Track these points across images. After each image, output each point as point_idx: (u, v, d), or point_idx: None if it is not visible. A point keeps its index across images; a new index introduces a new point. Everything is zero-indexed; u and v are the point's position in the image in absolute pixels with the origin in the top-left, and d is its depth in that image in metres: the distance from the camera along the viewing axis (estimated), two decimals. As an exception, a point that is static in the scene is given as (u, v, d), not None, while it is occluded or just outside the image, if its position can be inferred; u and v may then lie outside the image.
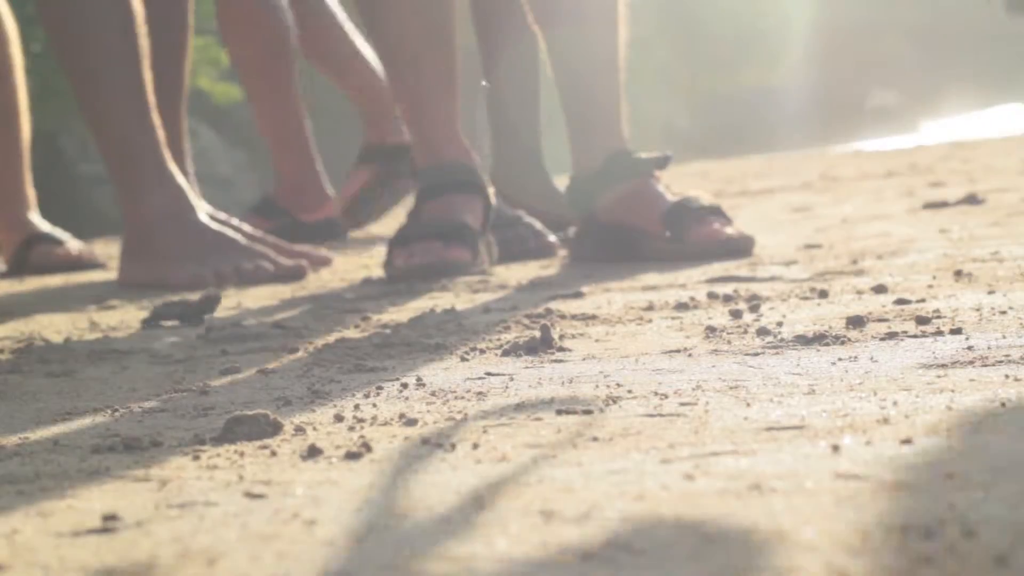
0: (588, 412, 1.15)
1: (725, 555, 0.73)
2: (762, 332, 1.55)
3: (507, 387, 1.31)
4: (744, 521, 0.78)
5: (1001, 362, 1.28)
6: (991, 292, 1.76)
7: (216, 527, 0.84)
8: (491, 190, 2.65)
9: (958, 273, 1.95)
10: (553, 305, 1.93)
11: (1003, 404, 1.08)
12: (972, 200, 3.24)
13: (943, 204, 3.27)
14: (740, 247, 2.49)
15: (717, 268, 2.29)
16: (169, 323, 2.04)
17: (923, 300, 1.74)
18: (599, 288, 2.13)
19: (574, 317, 1.79)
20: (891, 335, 1.49)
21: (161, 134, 2.71)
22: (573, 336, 1.64)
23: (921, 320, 1.56)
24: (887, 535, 0.74)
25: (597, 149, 2.65)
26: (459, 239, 2.51)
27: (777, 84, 23.95)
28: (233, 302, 2.29)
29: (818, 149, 11.84)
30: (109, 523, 0.86)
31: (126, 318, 2.14)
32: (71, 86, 2.71)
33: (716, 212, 2.57)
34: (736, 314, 1.69)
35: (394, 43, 2.62)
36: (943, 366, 1.28)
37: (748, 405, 1.15)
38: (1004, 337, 1.42)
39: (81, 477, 1.01)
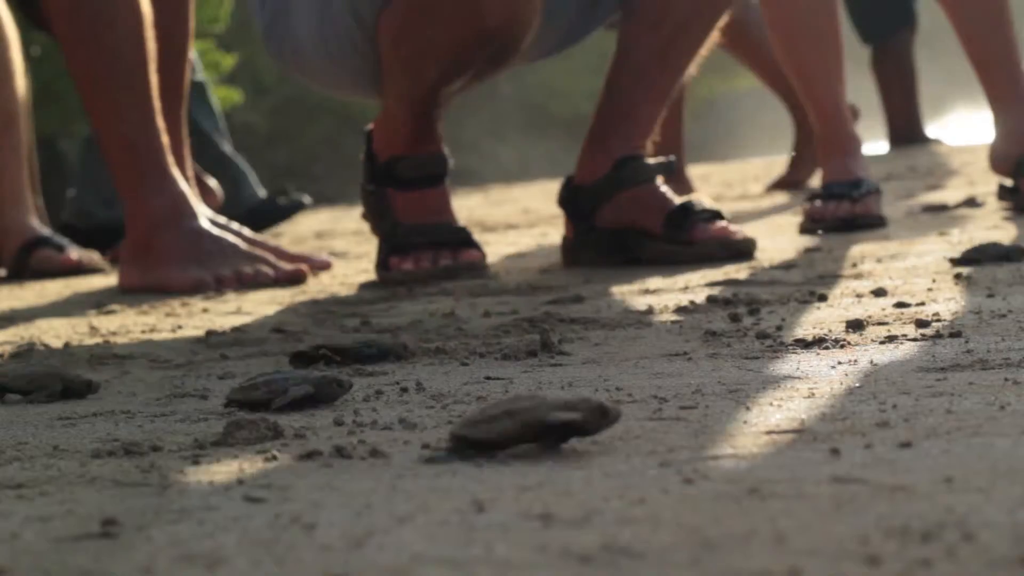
0: (588, 416, 1.15)
1: (724, 559, 0.73)
2: (762, 336, 1.55)
3: (507, 391, 1.31)
4: (743, 525, 0.78)
5: (1001, 365, 1.28)
6: (990, 295, 1.76)
7: (216, 531, 0.84)
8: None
9: (958, 276, 1.95)
10: (553, 309, 1.93)
11: (1003, 407, 1.08)
12: (972, 203, 3.23)
13: (943, 207, 3.26)
14: (743, 248, 2.49)
15: (717, 272, 2.29)
16: None
17: (923, 303, 1.74)
18: (599, 292, 2.13)
19: (574, 321, 1.79)
20: (891, 338, 1.49)
21: (166, 139, 2.70)
22: (572, 340, 1.64)
23: (921, 323, 1.56)
24: (886, 539, 0.74)
25: (607, 155, 2.62)
26: (463, 242, 2.52)
27: (777, 87, 23.92)
28: (233, 307, 2.29)
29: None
30: (109, 528, 0.86)
31: (126, 322, 2.14)
32: (78, 88, 2.71)
33: (719, 215, 2.57)
34: (735, 318, 1.69)
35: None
36: (943, 369, 1.28)
37: (747, 409, 1.15)
38: (1003, 340, 1.42)
39: (81, 482, 1.01)
